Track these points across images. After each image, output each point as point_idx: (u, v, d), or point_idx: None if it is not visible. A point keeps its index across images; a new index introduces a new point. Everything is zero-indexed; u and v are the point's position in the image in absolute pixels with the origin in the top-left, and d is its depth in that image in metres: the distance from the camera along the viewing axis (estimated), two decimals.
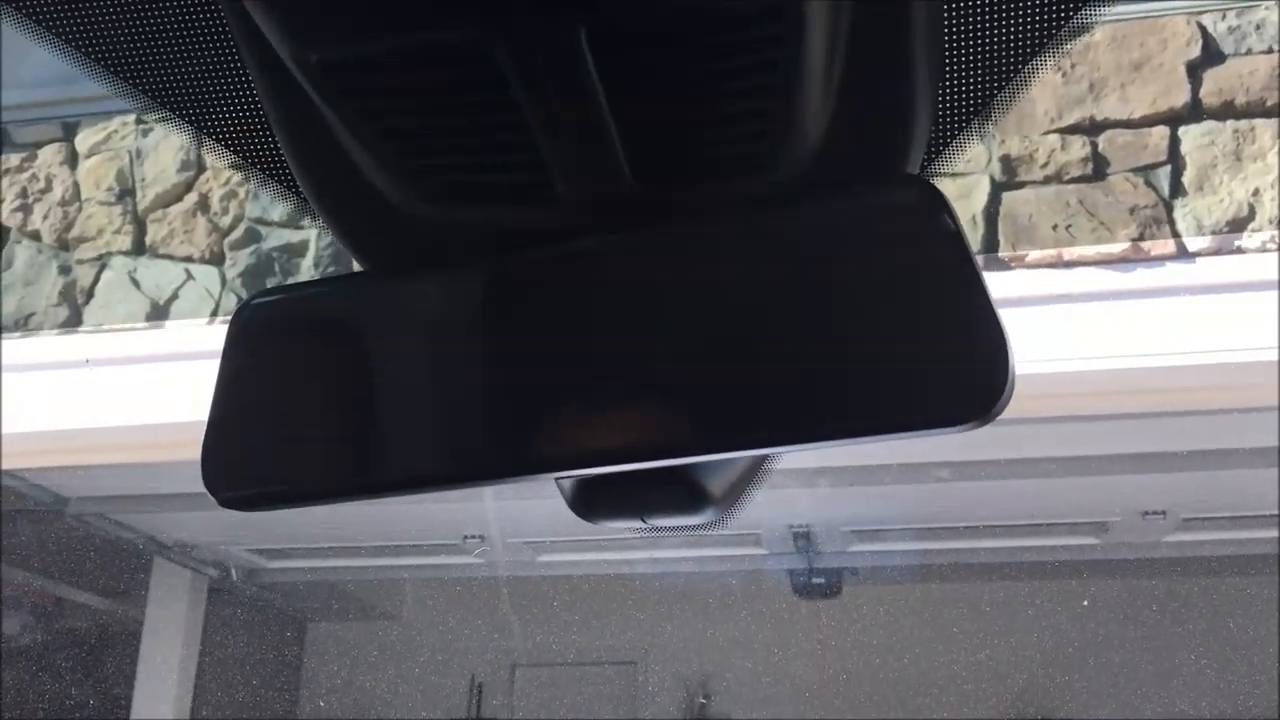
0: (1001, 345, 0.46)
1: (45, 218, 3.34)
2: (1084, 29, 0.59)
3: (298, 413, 0.58)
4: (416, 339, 0.58)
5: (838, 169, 0.55)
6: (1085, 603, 4.53)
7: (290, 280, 2.82)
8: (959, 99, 0.61)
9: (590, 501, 0.63)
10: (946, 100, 0.61)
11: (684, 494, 0.61)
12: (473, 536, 4.59)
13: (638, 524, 0.64)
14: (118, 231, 3.28)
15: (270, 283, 3.02)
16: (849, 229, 0.52)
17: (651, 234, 0.55)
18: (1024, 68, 0.60)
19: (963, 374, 0.46)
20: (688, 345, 0.52)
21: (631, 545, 4.70)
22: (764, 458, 0.66)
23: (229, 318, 0.60)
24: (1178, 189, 2.76)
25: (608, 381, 0.53)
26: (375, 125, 0.54)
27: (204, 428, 0.57)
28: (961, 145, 0.64)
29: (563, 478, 0.61)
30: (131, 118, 3.38)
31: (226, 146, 0.67)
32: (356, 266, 0.66)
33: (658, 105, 0.52)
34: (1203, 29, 2.87)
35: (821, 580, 4.79)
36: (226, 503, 0.57)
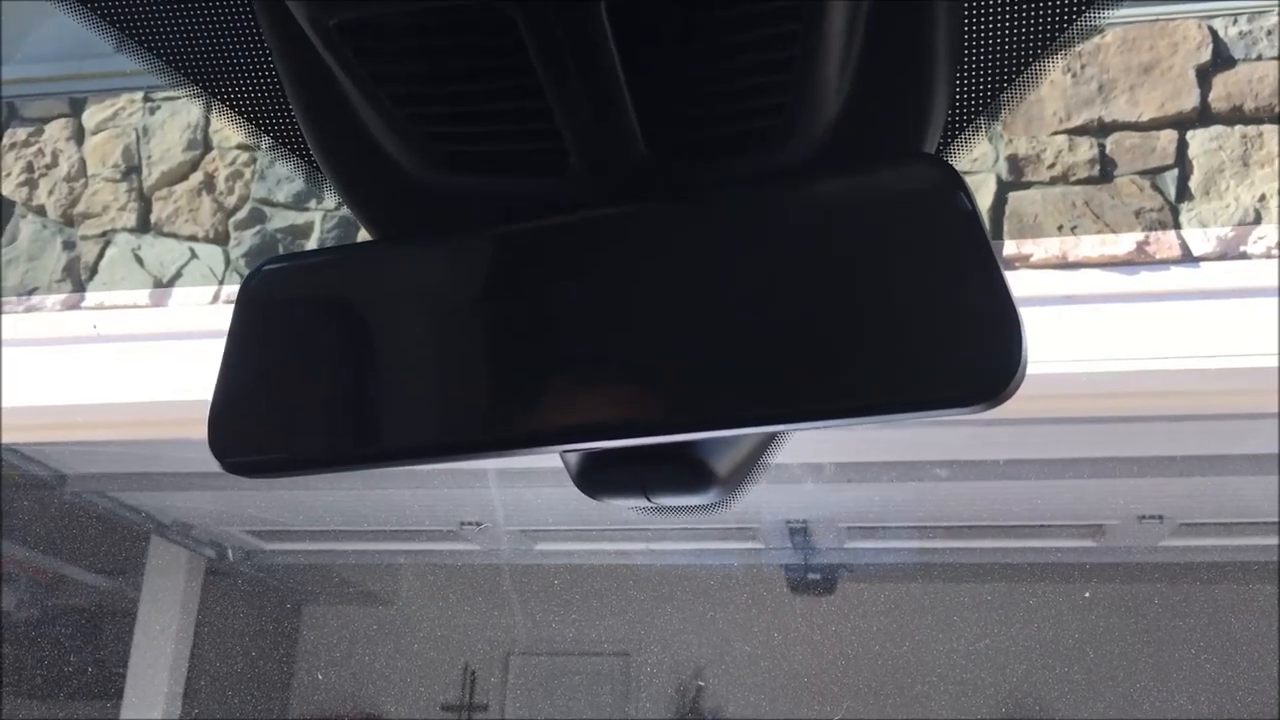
0: (1015, 326, 0.46)
1: (51, 193, 3.33)
2: (1097, 27, 0.59)
3: (305, 380, 0.58)
4: (424, 309, 0.58)
5: (853, 147, 0.55)
6: (1087, 594, 4.54)
7: None
8: (976, 84, 0.61)
9: (595, 478, 0.63)
10: (964, 85, 0.60)
11: (689, 472, 0.61)
12: (470, 523, 4.59)
13: (642, 502, 0.64)
14: (123, 208, 3.28)
15: None
16: (864, 206, 0.51)
17: (663, 207, 0.55)
18: (1042, 55, 0.60)
19: (975, 355, 0.46)
20: (696, 319, 0.52)
21: (629, 537, 4.70)
22: (770, 438, 0.66)
23: (231, 301, 0.60)
24: (1184, 193, 2.76)
25: (614, 354, 0.53)
26: (390, 91, 0.54)
27: (205, 406, 0.57)
28: (976, 131, 0.64)
29: (568, 451, 0.61)
30: (139, 95, 3.38)
31: (241, 114, 0.67)
32: (363, 237, 0.66)
33: (675, 77, 0.52)
34: (1213, 33, 2.87)
35: (818, 576, 4.79)
36: (231, 468, 0.57)
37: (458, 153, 0.57)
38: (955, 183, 0.49)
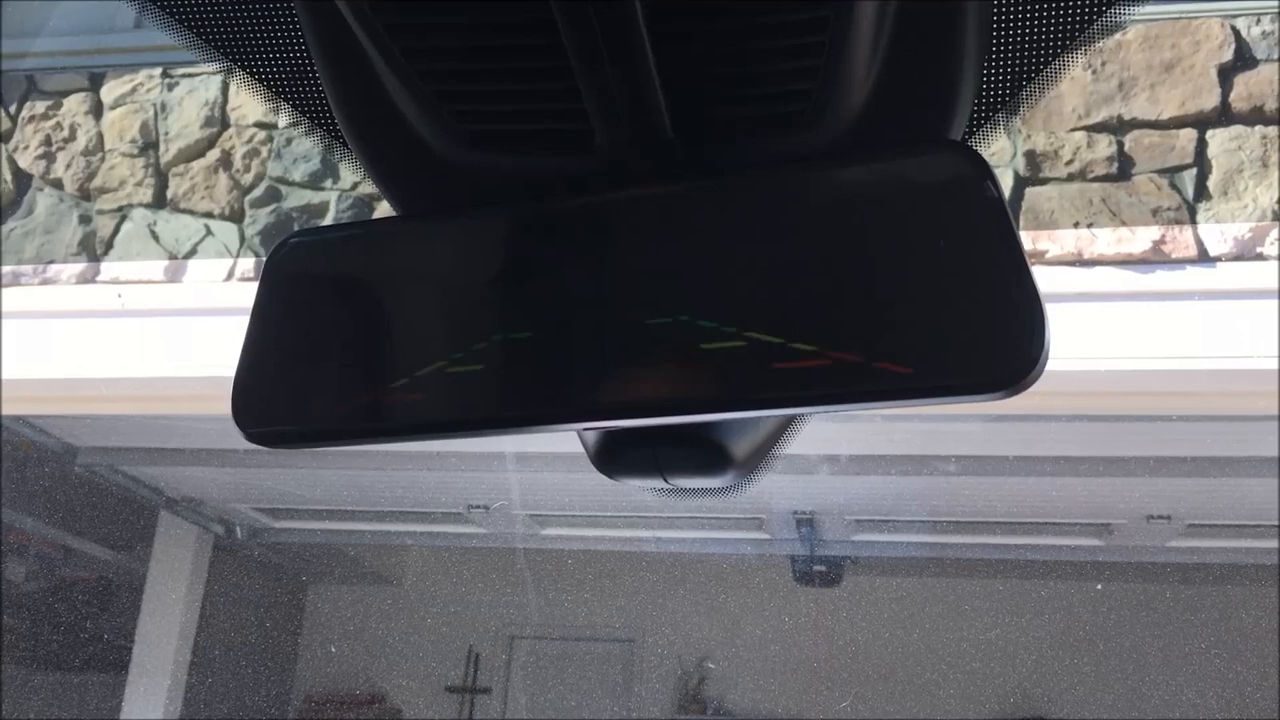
0: (1038, 315, 0.45)
1: (68, 166, 3.34)
2: (1122, 23, 0.59)
3: (327, 352, 0.58)
4: (447, 285, 0.58)
5: (880, 133, 0.55)
6: (1099, 586, 4.54)
7: None
8: (1002, 76, 0.61)
9: (612, 458, 0.63)
10: (990, 76, 0.60)
11: (706, 455, 0.60)
12: (478, 506, 4.60)
13: (659, 483, 0.64)
14: (139, 184, 3.29)
15: None
16: (891, 191, 0.51)
17: (688, 188, 0.55)
18: (1067, 48, 0.60)
19: (997, 342, 0.46)
20: (717, 300, 0.51)
21: (636, 523, 4.71)
22: (787, 422, 0.66)
23: (245, 278, 0.60)
24: (1202, 192, 2.75)
25: (635, 334, 0.53)
26: (420, 67, 0.54)
27: (215, 382, 0.58)
28: (1000, 123, 0.63)
29: (585, 429, 0.61)
30: (158, 71, 3.38)
31: (268, 87, 0.67)
32: (385, 212, 0.66)
33: (703, 58, 0.52)
34: (1236, 33, 2.85)
35: (823, 568, 4.79)
36: (254, 438, 0.57)
37: (485, 131, 0.57)
38: (983, 171, 0.49)
